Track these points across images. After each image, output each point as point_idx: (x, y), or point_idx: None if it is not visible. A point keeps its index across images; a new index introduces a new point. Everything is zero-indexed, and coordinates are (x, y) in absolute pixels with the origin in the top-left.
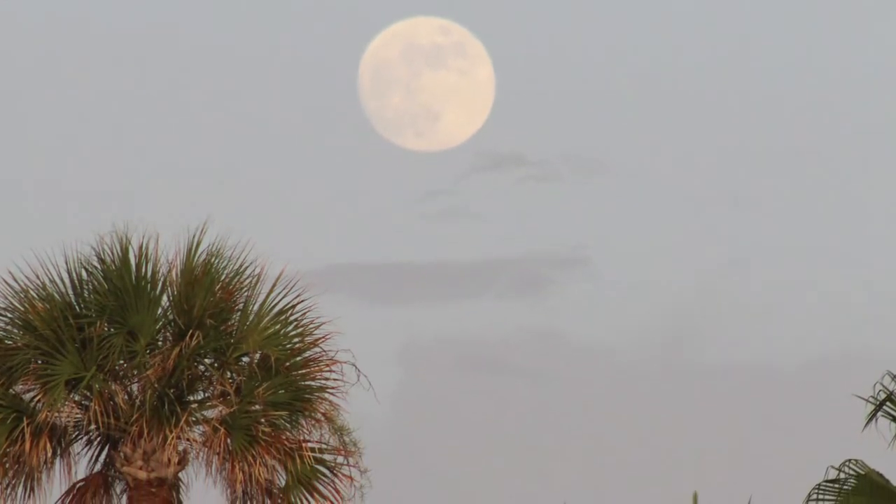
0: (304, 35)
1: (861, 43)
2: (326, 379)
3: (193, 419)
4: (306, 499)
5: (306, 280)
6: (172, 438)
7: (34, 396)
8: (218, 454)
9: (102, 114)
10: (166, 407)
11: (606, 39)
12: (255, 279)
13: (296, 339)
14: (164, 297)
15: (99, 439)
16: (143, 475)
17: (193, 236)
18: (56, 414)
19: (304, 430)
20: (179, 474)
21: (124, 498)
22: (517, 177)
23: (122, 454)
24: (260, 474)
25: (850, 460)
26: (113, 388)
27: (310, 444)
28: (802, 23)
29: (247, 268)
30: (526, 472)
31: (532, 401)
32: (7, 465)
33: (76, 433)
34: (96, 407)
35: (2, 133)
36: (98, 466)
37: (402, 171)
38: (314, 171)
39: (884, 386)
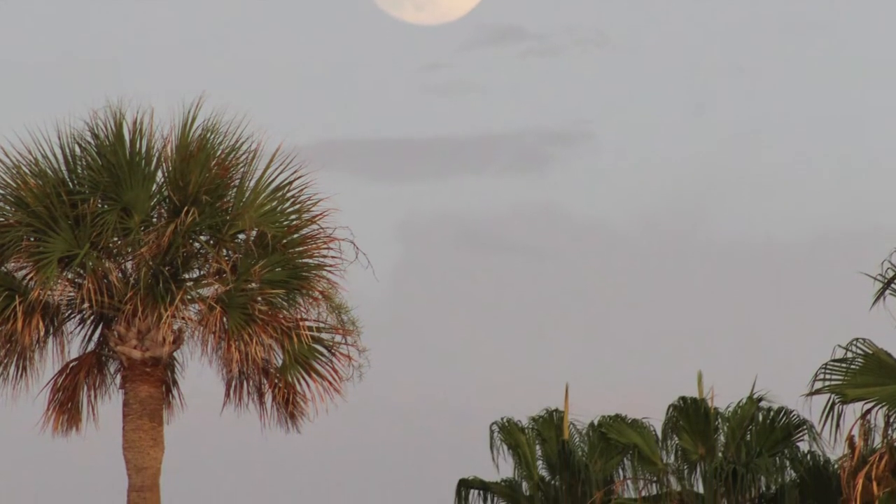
0: None
1: None
2: (324, 256)
3: (189, 297)
4: (304, 378)
5: (304, 156)
6: (167, 317)
7: (26, 274)
8: (214, 333)
9: None
10: (161, 285)
11: None
12: (251, 155)
13: (293, 216)
14: (159, 174)
15: (92, 318)
16: (137, 354)
17: (188, 111)
18: (49, 292)
19: (302, 309)
20: (174, 353)
21: (118, 377)
22: (518, 50)
23: (115, 333)
24: (256, 353)
25: (857, 339)
26: (107, 265)
27: (307, 323)
28: None
29: (243, 143)
30: (527, 351)
31: (533, 278)
32: None
33: (69, 312)
34: (90, 285)
35: None
36: (91, 346)
37: (401, 45)
38: (312, 44)
39: (892, 264)
